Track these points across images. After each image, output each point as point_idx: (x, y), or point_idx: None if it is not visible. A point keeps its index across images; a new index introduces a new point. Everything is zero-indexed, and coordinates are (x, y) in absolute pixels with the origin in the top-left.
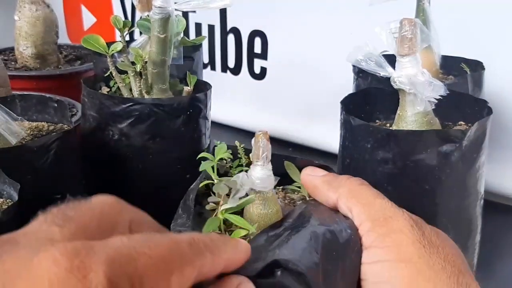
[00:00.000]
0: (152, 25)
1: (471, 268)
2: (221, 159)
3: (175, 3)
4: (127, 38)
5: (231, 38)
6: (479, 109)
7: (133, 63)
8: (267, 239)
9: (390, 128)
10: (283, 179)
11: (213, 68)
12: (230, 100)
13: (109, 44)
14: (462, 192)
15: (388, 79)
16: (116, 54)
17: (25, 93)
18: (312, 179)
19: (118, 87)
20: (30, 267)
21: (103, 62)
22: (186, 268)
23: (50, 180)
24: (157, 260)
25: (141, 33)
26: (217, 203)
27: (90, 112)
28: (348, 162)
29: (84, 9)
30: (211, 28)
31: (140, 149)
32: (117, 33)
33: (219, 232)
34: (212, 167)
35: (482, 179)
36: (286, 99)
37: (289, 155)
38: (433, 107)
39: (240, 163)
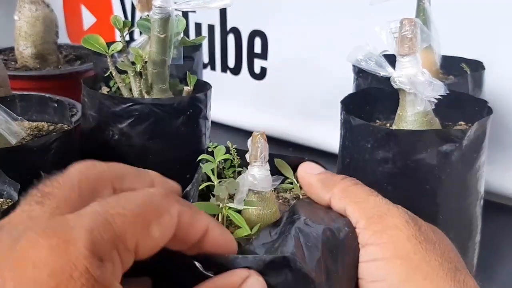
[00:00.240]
0: (152, 25)
1: (471, 269)
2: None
3: (175, 3)
4: (127, 38)
5: (231, 38)
6: (479, 109)
7: (133, 63)
8: (270, 235)
9: (390, 128)
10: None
11: (213, 68)
12: (230, 100)
13: (109, 44)
14: (462, 192)
15: (388, 79)
16: (116, 54)
17: (25, 93)
18: (308, 177)
19: (118, 87)
20: (13, 251)
21: (103, 62)
22: (163, 217)
23: None
24: (132, 217)
25: (141, 33)
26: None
27: (90, 112)
28: (348, 162)
29: (84, 9)
30: (211, 28)
31: (140, 149)
32: (117, 33)
33: None
34: (212, 170)
35: (482, 179)
36: (286, 99)
37: (278, 153)
38: (433, 107)
39: (232, 164)
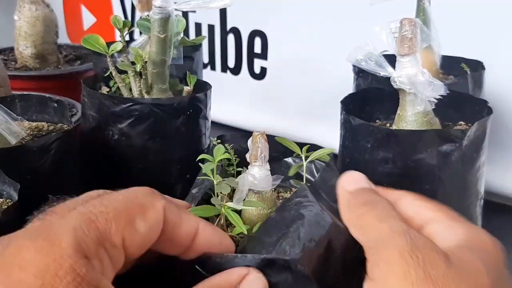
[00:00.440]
0: (152, 25)
1: None
2: None
3: (175, 3)
4: (127, 38)
5: (231, 38)
6: (479, 109)
7: (133, 63)
8: (272, 234)
9: (390, 128)
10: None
11: (213, 68)
12: (230, 100)
13: (109, 44)
14: (462, 192)
15: (388, 79)
16: (116, 54)
17: (25, 93)
18: (340, 192)
19: (118, 87)
20: (2, 256)
21: (103, 62)
22: (148, 211)
23: (50, 180)
24: (115, 213)
25: (141, 33)
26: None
27: (90, 112)
28: (348, 162)
29: (84, 9)
30: (211, 28)
31: (140, 149)
32: (117, 33)
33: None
34: (212, 170)
35: (482, 179)
36: (286, 99)
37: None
38: (433, 107)
39: (230, 163)
